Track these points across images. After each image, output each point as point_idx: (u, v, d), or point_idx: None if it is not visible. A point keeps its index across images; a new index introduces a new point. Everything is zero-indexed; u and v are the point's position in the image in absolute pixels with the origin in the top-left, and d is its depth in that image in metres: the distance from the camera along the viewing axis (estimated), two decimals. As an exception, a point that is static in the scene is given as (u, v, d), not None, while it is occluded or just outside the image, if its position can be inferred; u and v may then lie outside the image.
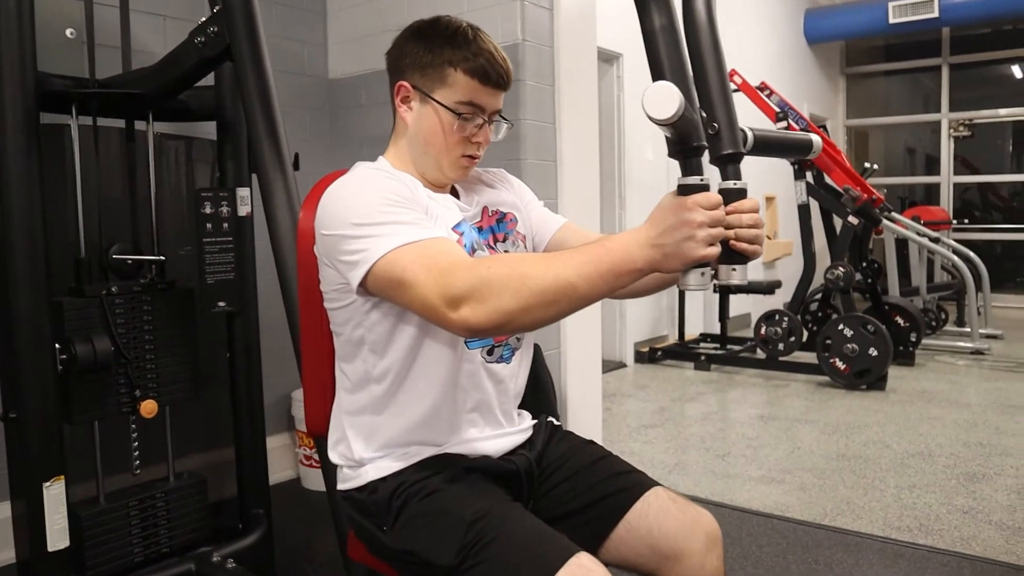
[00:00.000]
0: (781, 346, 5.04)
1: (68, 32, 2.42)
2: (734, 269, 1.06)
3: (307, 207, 1.37)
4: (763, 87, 5.34)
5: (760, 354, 5.24)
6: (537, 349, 2.49)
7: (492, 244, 1.36)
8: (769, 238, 7.28)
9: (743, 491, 2.97)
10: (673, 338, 5.93)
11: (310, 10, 3.26)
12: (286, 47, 3.15)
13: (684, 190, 1.02)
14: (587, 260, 1.03)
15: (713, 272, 1.05)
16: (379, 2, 3.09)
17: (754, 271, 6.93)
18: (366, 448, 1.29)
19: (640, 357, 5.61)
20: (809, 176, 5.18)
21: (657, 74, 1.09)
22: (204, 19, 1.69)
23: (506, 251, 1.37)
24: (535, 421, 1.46)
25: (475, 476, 1.26)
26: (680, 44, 1.10)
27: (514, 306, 1.02)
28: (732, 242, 1.03)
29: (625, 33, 5.28)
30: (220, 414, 2.32)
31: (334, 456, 1.34)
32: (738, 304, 6.46)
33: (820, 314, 5.50)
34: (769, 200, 7.25)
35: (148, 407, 2.04)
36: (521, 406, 1.57)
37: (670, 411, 4.28)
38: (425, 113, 1.30)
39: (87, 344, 1.85)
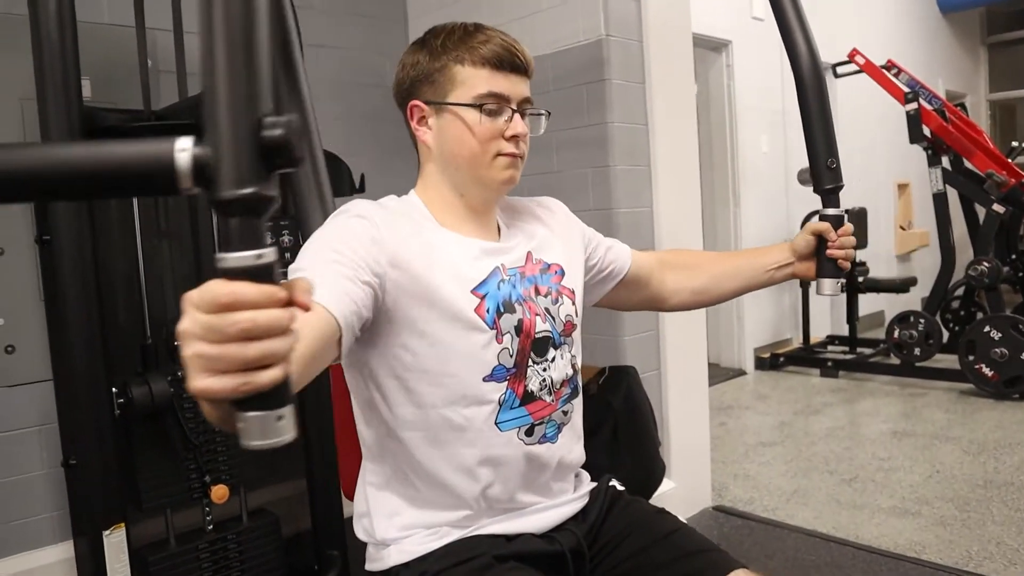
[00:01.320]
0: (918, 351, 4.57)
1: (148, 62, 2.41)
2: (838, 282, 1.36)
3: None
4: (890, 65, 4.88)
5: (895, 359, 4.78)
6: (633, 373, 2.30)
7: (532, 296, 1.17)
8: (903, 228, 6.71)
9: (871, 525, 2.64)
10: (797, 342, 5.52)
11: (389, 19, 3.15)
12: (365, 59, 3.05)
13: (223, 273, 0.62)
14: None
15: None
16: (457, 5, 2.95)
17: (886, 266, 6.40)
18: (388, 527, 1.14)
19: (761, 363, 5.24)
20: (946, 161, 4.68)
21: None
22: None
23: (547, 309, 1.18)
24: (594, 485, 1.26)
25: (509, 566, 1.07)
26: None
27: None
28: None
29: (733, 19, 4.96)
30: (293, 445, 2.23)
31: (358, 530, 1.20)
32: (870, 303, 5.96)
33: (962, 313, 4.97)
34: (902, 188, 6.68)
35: (219, 493, 1.97)
36: (617, 438, 1.42)
37: (792, 426, 3.93)
38: (445, 123, 1.14)
39: (143, 387, 1.79)
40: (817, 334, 5.57)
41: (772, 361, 5.20)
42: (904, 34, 6.69)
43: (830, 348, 5.51)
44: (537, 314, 1.16)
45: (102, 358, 1.79)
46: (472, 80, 1.13)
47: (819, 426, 3.90)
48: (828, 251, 1.35)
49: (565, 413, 1.19)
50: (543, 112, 1.22)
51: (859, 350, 5.28)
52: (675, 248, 1.52)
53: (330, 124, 2.85)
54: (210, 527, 2.03)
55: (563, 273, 1.24)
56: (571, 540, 1.15)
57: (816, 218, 1.40)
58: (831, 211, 1.40)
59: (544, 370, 1.15)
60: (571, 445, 1.22)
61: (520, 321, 1.13)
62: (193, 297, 0.56)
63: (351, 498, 1.28)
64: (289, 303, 0.57)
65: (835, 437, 3.68)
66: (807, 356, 5.22)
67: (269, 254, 0.57)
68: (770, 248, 1.46)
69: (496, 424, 1.10)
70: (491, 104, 1.12)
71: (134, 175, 0.59)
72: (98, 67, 2.33)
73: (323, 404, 2.16)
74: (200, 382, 0.55)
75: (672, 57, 2.67)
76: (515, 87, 1.15)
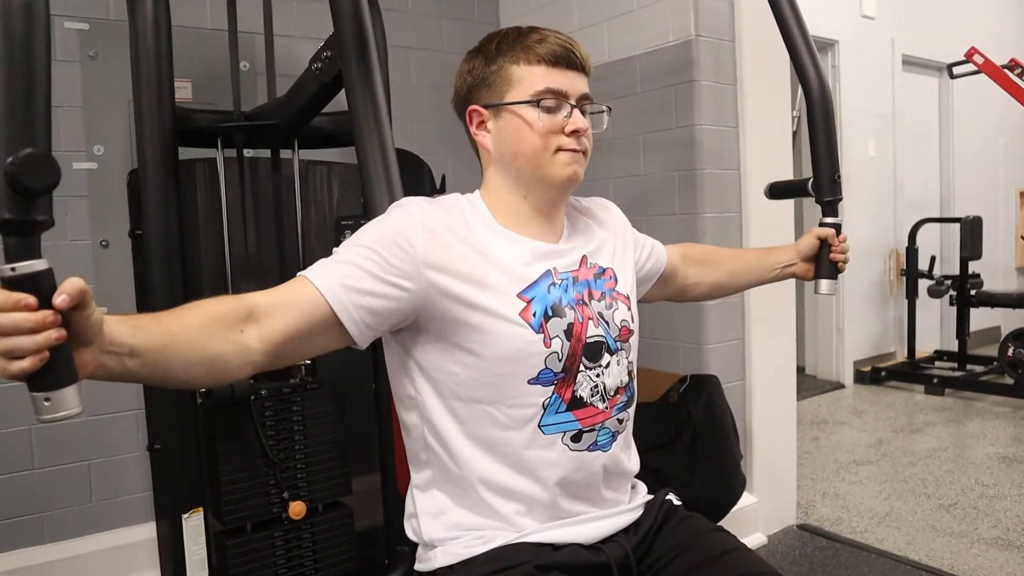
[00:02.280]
0: (1034, 370, 4.27)
1: (243, 65, 2.50)
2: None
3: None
4: (1013, 65, 4.57)
5: (1008, 379, 4.48)
6: (715, 383, 2.24)
7: (585, 300, 1.15)
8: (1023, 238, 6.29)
9: (969, 556, 2.48)
10: (901, 356, 5.25)
11: (482, 21, 3.16)
12: (456, 62, 3.07)
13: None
14: None
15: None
16: (550, 7, 2.93)
17: (1004, 278, 6.02)
18: (435, 527, 1.13)
19: (861, 377, 5.01)
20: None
21: None
22: (323, 44, 1.61)
23: (600, 314, 1.16)
24: (651, 498, 1.22)
25: None
26: None
27: None
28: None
29: (841, 18, 4.76)
30: (368, 438, 2.27)
31: (408, 530, 1.20)
32: (984, 317, 5.61)
33: (1089, 332, 4.61)
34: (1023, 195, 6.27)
35: (296, 509, 2.01)
36: (695, 449, 1.43)
37: (890, 444, 3.74)
38: (504, 124, 1.14)
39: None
40: (924, 348, 5.28)
41: (873, 375, 4.96)
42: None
43: (937, 364, 5.21)
44: (590, 318, 1.14)
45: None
46: (528, 78, 1.12)
47: (920, 446, 3.69)
48: (831, 255, 1.54)
49: (620, 421, 1.17)
50: (604, 108, 1.20)
51: (969, 367, 4.97)
52: (689, 243, 1.60)
53: (417, 125, 2.89)
54: (286, 520, 2.08)
55: (616, 279, 1.22)
56: (619, 552, 1.12)
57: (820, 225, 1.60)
58: (831, 220, 1.62)
59: (597, 376, 1.13)
60: (625, 454, 1.19)
61: (570, 325, 1.11)
62: None
63: (404, 496, 1.29)
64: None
65: (936, 459, 3.48)
66: (911, 371, 4.95)
67: (26, 267, 0.71)
68: (777, 248, 1.61)
69: (540, 427, 1.09)
70: (549, 100, 1.12)
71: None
72: (200, 70, 2.44)
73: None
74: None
75: (766, 58, 2.58)
76: (573, 83, 1.14)
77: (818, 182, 1.67)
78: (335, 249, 1.07)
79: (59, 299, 0.72)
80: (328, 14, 1.55)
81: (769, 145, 2.60)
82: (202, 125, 1.90)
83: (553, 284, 1.12)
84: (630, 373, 1.19)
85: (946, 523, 2.75)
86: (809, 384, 4.93)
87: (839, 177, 1.66)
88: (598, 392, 1.13)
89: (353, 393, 2.19)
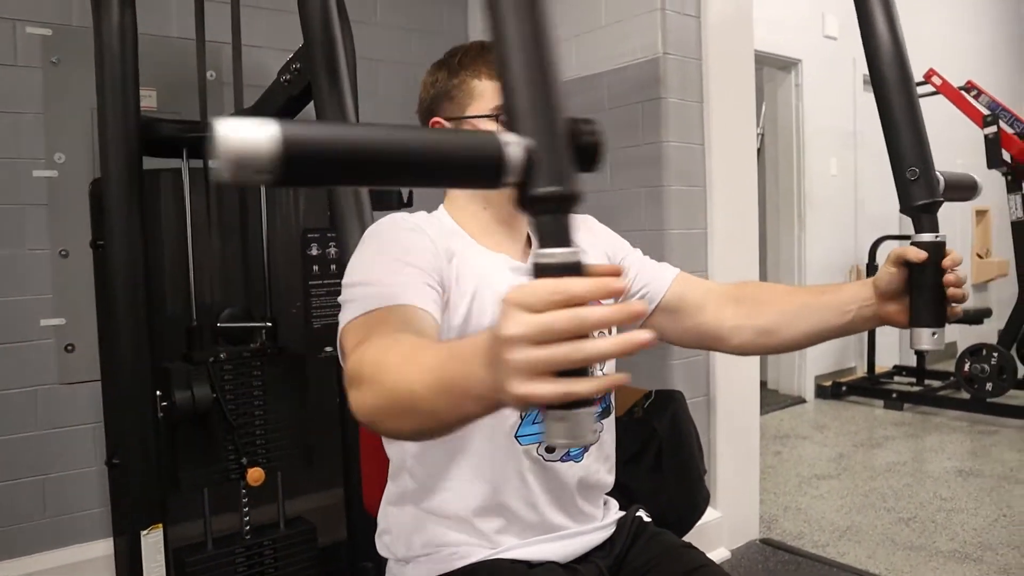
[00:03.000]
0: (989, 386, 4.36)
1: (209, 75, 2.47)
2: (934, 333, 0.99)
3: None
4: (969, 87, 4.69)
5: (964, 394, 4.58)
6: (680, 398, 2.24)
7: None
8: (980, 256, 6.44)
9: (927, 569, 2.52)
10: (861, 371, 5.34)
11: (451, 34, 3.16)
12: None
13: (534, 270, 0.61)
14: (435, 363, 0.70)
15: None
16: (519, 22, 2.94)
17: (961, 295, 6.13)
18: (408, 546, 1.12)
19: (822, 392, 5.08)
20: (1027, 188, 4.47)
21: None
22: (291, 56, 1.60)
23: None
24: (622, 514, 1.23)
25: None
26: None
27: (371, 404, 0.76)
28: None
29: (805, 37, 4.85)
30: (332, 454, 2.25)
31: (380, 547, 1.19)
32: (940, 332, 5.72)
33: (1040, 348, 4.73)
34: (981, 214, 6.41)
35: (255, 475, 1.98)
36: (660, 465, 1.38)
37: (851, 459, 3.79)
38: None
39: (186, 391, 1.82)
40: (883, 364, 5.38)
41: (834, 390, 5.04)
42: (988, 54, 6.43)
43: (896, 379, 5.31)
44: None
45: (148, 361, 1.82)
46: (489, 92, 1.13)
47: (879, 460, 3.75)
48: (938, 286, 1.04)
49: (594, 432, 1.16)
50: None
51: (927, 382, 5.08)
52: (746, 280, 1.31)
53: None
54: (248, 535, 2.05)
55: None
56: (594, 573, 1.12)
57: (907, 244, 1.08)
58: (926, 237, 1.05)
59: None
60: (598, 465, 1.18)
61: None
62: (518, 298, 0.54)
63: (372, 514, 1.28)
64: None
65: (896, 473, 3.54)
66: (871, 387, 5.04)
67: (580, 252, 0.58)
68: (849, 284, 1.21)
69: (516, 438, 1.08)
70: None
71: (469, 165, 0.62)
72: (165, 79, 2.41)
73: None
74: (523, 387, 0.55)
75: (733, 76, 2.62)
76: None
77: (898, 184, 1.12)
78: (344, 286, 1.02)
79: (619, 283, 0.58)
80: (296, 25, 1.54)
81: (734, 162, 2.63)
82: (168, 135, 1.88)
83: None
84: None
85: (905, 537, 2.79)
86: (771, 399, 4.98)
87: (916, 174, 1.10)
88: None
89: (315, 408, 2.17)
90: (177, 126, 1.93)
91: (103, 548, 2.27)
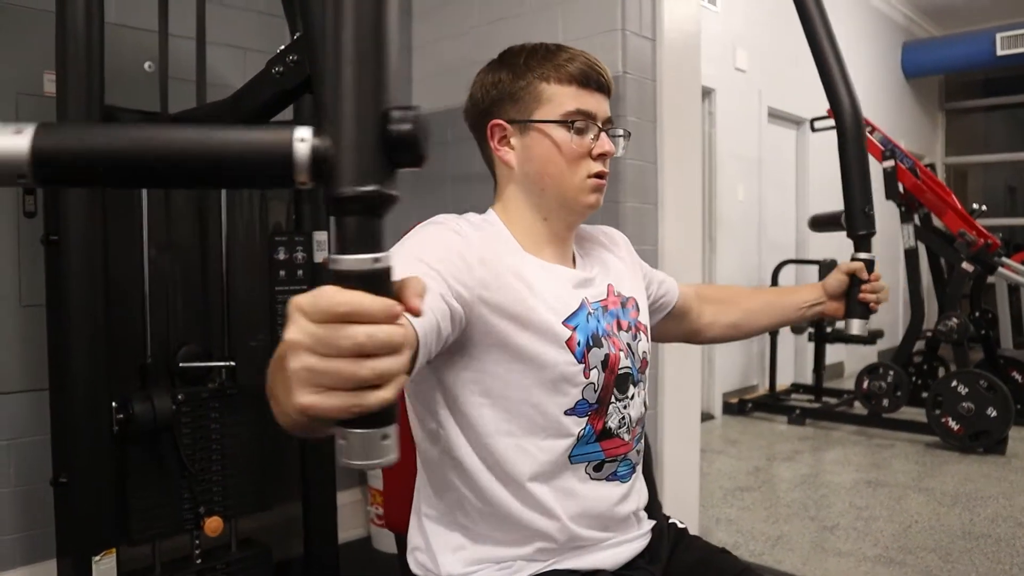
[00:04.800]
0: (886, 402, 4.65)
1: (147, 65, 2.33)
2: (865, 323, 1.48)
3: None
4: (866, 123, 5.01)
5: (859, 408, 4.85)
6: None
7: (615, 331, 1.14)
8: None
9: (859, 573, 2.65)
10: (763, 388, 5.58)
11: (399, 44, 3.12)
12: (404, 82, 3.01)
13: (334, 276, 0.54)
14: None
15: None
16: (466, 37, 2.94)
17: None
18: (454, 562, 1.08)
19: (729, 408, 5.28)
20: (917, 218, 4.81)
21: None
22: (283, 47, 1.53)
23: (628, 344, 1.16)
24: (654, 522, 1.23)
25: None
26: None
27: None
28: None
29: (717, 68, 5.06)
30: (288, 466, 2.15)
31: (413, 564, 1.13)
32: (830, 353, 6.06)
33: (926, 367, 5.08)
34: (865, 242, 6.85)
35: (213, 525, 1.89)
36: None
37: (765, 471, 3.95)
38: (531, 142, 1.11)
39: (146, 403, 1.70)
40: (782, 382, 5.64)
41: (740, 406, 5.24)
42: (873, 96, 6.92)
43: (795, 396, 5.58)
44: (620, 349, 1.13)
45: (104, 369, 1.70)
46: (559, 97, 1.10)
47: (792, 473, 3.92)
48: (860, 295, 1.45)
49: (638, 452, 1.17)
50: (624, 132, 1.20)
51: (824, 399, 5.35)
52: (709, 284, 1.51)
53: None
54: (199, 559, 1.93)
55: (639, 308, 1.22)
56: (648, 579, 1.12)
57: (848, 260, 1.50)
58: (864, 255, 1.50)
59: (625, 407, 1.12)
60: (639, 483, 1.19)
61: (607, 356, 1.09)
62: (303, 303, 0.50)
63: (396, 530, 1.23)
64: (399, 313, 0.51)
65: (810, 484, 3.71)
66: (774, 403, 5.27)
67: (387, 258, 0.52)
68: (802, 287, 1.54)
69: (569, 458, 1.07)
70: (580, 121, 1.10)
71: (249, 165, 0.55)
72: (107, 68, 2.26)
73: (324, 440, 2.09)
74: (304, 398, 0.51)
75: (683, 98, 2.70)
76: (600, 105, 1.13)
77: (850, 215, 1.55)
78: None
79: (416, 302, 0.54)
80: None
81: (684, 182, 2.71)
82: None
83: (590, 314, 1.11)
84: (646, 404, 1.19)
85: (833, 544, 2.92)
86: (683, 414, 5.12)
87: (871, 210, 1.53)
88: (624, 424, 1.12)
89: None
90: (137, 117, 1.82)
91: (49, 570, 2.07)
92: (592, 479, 1.09)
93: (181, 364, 1.91)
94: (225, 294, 1.98)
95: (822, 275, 5.13)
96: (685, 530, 1.26)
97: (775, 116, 5.69)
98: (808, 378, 5.73)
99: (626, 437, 1.12)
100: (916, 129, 8.11)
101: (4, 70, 2.01)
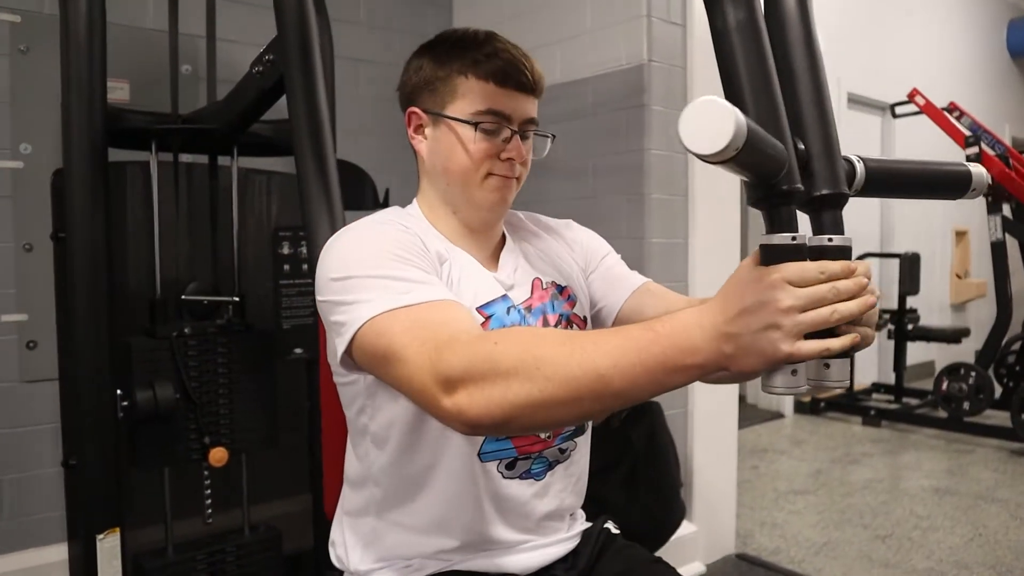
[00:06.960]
0: (967, 405, 4.36)
1: (184, 69, 2.41)
2: (827, 365, 0.74)
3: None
4: (951, 108, 4.71)
5: (942, 412, 4.57)
6: (657, 410, 2.20)
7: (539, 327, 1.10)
8: (959, 276, 6.47)
9: (904, 588, 2.50)
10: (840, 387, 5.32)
11: (434, 35, 3.13)
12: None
13: (769, 255, 0.72)
14: (628, 346, 0.75)
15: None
16: (505, 24, 2.91)
17: (940, 315, 6.16)
18: (363, 558, 1.07)
19: (800, 407, 5.07)
20: (1007, 209, 4.49)
21: (731, 91, 0.82)
22: (264, 47, 1.55)
23: None
24: (589, 525, 1.18)
25: None
26: (764, 47, 0.80)
27: (523, 398, 0.76)
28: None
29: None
30: (300, 459, 2.19)
31: (332, 557, 1.14)
32: (920, 352, 5.74)
33: (1018, 368, 4.74)
34: (960, 235, 6.46)
35: (217, 455, 1.91)
36: (636, 476, 1.30)
37: (828, 474, 3.77)
38: (440, 135, 1.08)
39: (147, 391, 1.76)
40: (862, 381, 5.38)
41: (812, 406, 5.02)
42: (970, 77, 6.49)
43: (875, 396, 5.31)
44: None
45: (107, 358, 1.76)
46: (473, 94, 1.05)
47: (856, 477, 3.73)
48: None
49: (562, 451, 1.11)
50: (549, 135, 1.15)
51: (905, 400, 5.07)
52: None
53: (364, 138, 2.83)
54: (210, 520, 1.98)
55: (575, 300, 1.17)
56: (555, 586, 1.08)
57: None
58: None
59: None
60: (562, 484, 1.13)
61: None
62: (791, 277, 0.70)
63: (330, 520, 1.23)
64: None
65: (872, 490, 3.52)
66: (850, 403, 5.02)
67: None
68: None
69: (479, 455, 1.03)
70: (489, 123, 1.05)
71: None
72: (138, 70, 2.35)
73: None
74: (792, 347, 0.69)
75: (716, 85, 2.58)
76: (519, 106, 1.07)
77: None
78: (339, 280, 0.93)
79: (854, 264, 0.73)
80: (273, 19, 1.50)
81: (717, 173, 2.60)
82: (135, 126, 1.82)
83: (512, 307, 1.08)
84: None
85: (881, 554, 2.76)
86: (750, 413, 4.96)
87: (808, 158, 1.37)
88: None
89: (284, 416, 2.10)
90: (145, 117, 1.87)
91: (61, 552, 2.19)
92: (505, 477, 1.05)
93: (184, 296, 1.95)
94: (235, 246, 2.01)
95: (902, 269, 4.86)
96: (617, 536, 1.20)
97: (856, 102, 5.41)
98: (891, 377, 5.44)
99: (543, 434, 1.08)
100: (1023, 112, 7.55)
101: (52, 77, 2.11)
